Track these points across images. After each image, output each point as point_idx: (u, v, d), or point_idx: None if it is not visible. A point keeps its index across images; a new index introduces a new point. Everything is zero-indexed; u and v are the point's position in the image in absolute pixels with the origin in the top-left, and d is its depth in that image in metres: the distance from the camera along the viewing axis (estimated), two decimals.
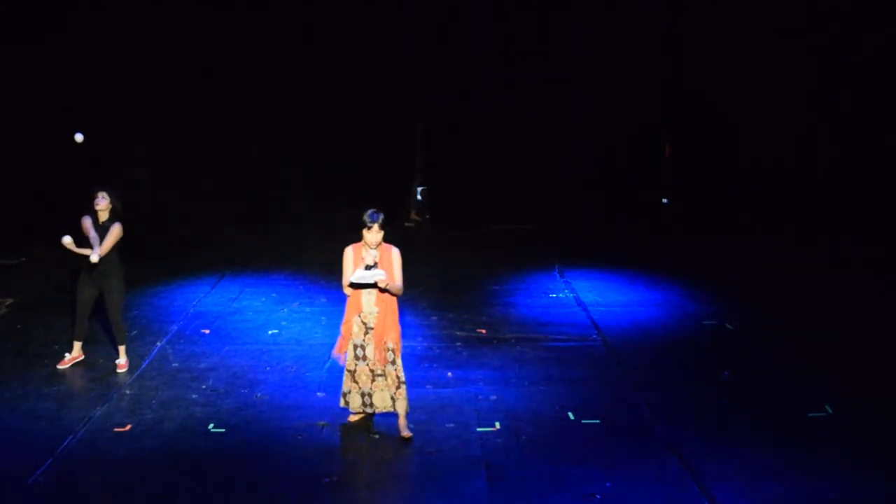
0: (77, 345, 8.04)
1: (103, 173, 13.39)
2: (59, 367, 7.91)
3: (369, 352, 6.25)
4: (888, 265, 11.58)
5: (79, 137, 7.67)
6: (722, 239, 13.59)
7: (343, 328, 6.34)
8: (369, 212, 6.06)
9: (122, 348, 8.00)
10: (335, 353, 6.47)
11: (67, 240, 7.38)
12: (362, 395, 6.31)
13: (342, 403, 6.47)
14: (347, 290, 6.19)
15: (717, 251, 12.95)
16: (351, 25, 14.60)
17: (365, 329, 6.24)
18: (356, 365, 6.30)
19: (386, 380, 6.27)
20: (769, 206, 14.24)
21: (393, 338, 6.24)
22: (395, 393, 6.28)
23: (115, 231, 7.63)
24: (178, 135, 14.32)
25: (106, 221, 7.68)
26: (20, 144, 13.70)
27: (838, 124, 13.94)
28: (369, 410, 6.37)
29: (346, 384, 6.40)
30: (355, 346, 6.28)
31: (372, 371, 6.27)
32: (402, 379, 6.32)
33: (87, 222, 7.62)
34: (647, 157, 15.30)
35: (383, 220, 6.07)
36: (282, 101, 14.64)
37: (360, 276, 5.94)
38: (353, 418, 6.57)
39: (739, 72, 14.35)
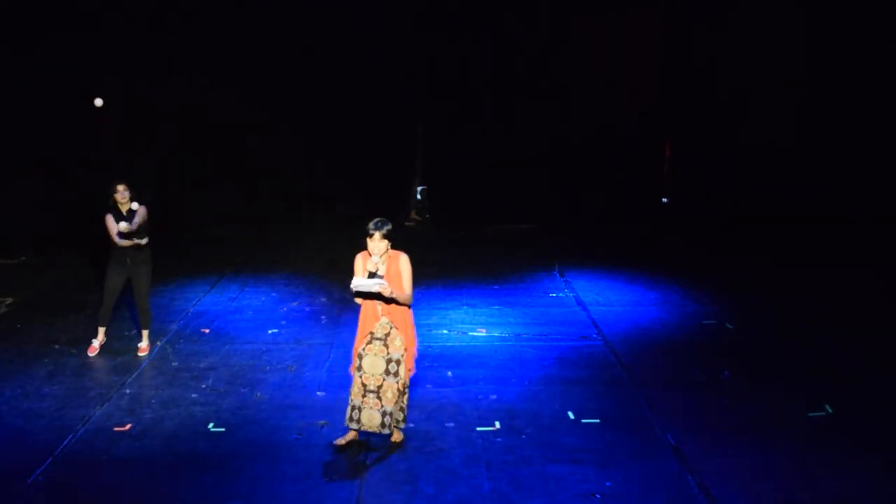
0: (101, 330, 8.28)
1: (103, 173, 13.45)
2: (90, 353, 8.15)
3: (366, 363, 5.95)
4: (888, 265, 11.57)
5: (98, 102, 7.95)
6: (722, 239, 13.59)
7: (356, 343, 6.07)
8: (374, 220, 5.86)
9: (145, 332, 8.35)
10: (351, 371, 6.11)
11: (124, 225, 7.89)
12: (353, 408, 6.00)
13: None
14: (357, 300, 5.93)
15: (716, 251, 12.96)
16: (352, 26, 14.61)
17: (369, 338, 5.98)
18: (357, 375, 6.01)
19: (379, 398, 5.95)
20: (769, 206, 14.26)
21: (401, 349, 5.98)
22: (393, 407, 5.96)
23: (143, 211, 8.08)
24: (179, 135, 14.34)
25: (130, 209, 8.05)
26: (20, 144, 13.71)
27: (840, 121, 13.96)
28: (354, 426, 6.02)
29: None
30: (360, 357, 6.01)
31: (364, 385, 5.96)
32: (402, 391, 6.03)
33: (109, 220, 8.00)
34: (647, 156, 15.32)
35: (388, 230, 5.83)
36: (283, 102, 14.65)
37: (357, 283, 5.71)
38: (340, 441, 6.17)
39: (740, 72, 14.38)
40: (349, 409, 6.03)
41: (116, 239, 7.98)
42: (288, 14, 14.41)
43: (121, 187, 8.01)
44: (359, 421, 5.99)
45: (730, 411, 6.86)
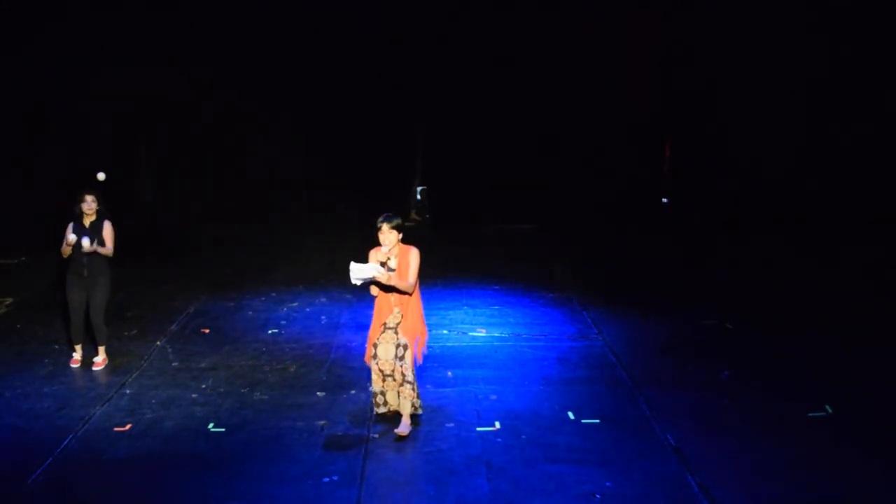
0: (78, 348, 8.03)
1: (103, 172, 13.45)
2: (73, 364, 7.94)
3: (380, 351, 6.37)
4: (888, 266, 11.56)
5: (101, 176, 7.75)
6: (721, 238, 13.59)
7: (371, 332, 6.49)
8: (383, 214, 6.27)
9: (101, 348, 7.99)
10: (366, 361, 6.58)
11: (86, 242, 7.50)
12: (375, 394, 6.50)
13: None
14: (373, 291, 6.34)
15: (716, 251, 12.95)
16: (352, 26, 14.61)
17: (383, 328, 6.38)
18: (374, 363, 6.42)
19: (394, 379, 6.37)
20: (769, 206, 14.25)
21: (409, 336, 6.36)
22: (399, 390, 6.37)
23: (110, 228, 7.74)
24: (179, 135, 14.34)
25: (94, 221, 7.72)
26: (20, 144, 13.71)
27: (841, 121, 13.96)
28: (382, 410, 6.53)
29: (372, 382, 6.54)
30: (375, 346, 6.40)
31: (381, 371, 6.40)
32: (409, 378, 6.33)
33: (68, 231, 7.65)
34: (647, 156, 15.32)
35: (397, 223, 6.27)
36: (283, 102, 14.64)
37: (355, 268, 6.01)
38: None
39: (740, 72, 14.37)
40: (373, 396, 6.53)
41: (64, 247, 7.58)
42: (288, 14, 14.40)
43: (89, 198, 7.67)
44: (386, 403, 6.50)
45: (730, 411, 6.86)
